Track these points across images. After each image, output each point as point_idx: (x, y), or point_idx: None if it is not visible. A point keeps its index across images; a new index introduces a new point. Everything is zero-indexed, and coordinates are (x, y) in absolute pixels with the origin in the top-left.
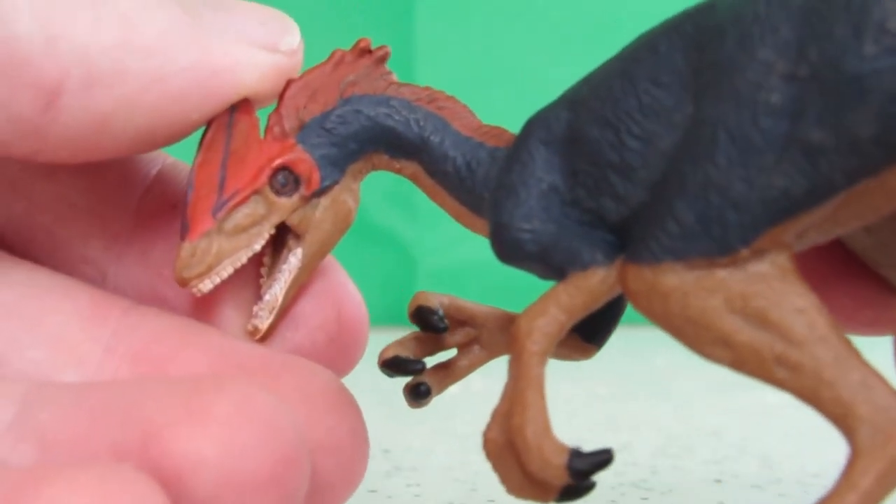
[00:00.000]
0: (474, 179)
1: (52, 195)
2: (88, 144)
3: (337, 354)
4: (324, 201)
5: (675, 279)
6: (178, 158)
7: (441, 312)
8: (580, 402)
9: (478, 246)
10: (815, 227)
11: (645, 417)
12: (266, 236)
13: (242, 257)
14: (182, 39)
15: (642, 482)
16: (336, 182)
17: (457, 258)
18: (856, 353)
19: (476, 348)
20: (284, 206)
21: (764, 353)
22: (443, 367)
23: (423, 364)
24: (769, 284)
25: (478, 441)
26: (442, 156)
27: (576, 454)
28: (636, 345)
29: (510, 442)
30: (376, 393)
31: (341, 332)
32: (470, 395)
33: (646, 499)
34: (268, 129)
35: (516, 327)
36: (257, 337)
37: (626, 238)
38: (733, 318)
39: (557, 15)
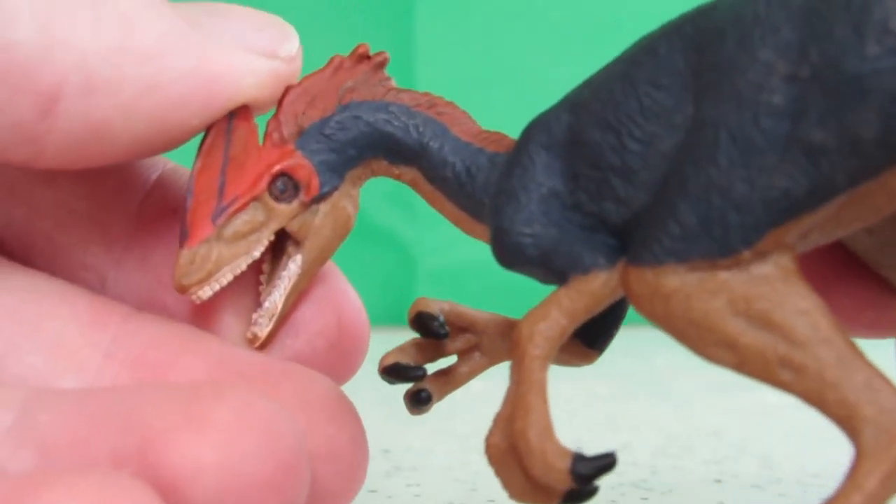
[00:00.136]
0: (474, 185)
1: (52, 201)
2: (86, 150)
3: (337, 361)
4: (323, 207)
5: (678, 281)
6: (178, 163)
7: (441, 318)
8: (580, 402)
9: (478, 246)
10: (818, 228)
11: (645, 417)
12: (265, 243)
13: (242, 264)
14: (180, 46)
15: (642, 482)
16: (335, 188)
17: (457, 258)
18: (860, 355)
19: (476, 355)
20: (284, 212)
21: (767, 355)
22: (443, 373)
23: (424, 370)
24: (772, 286)
25: (478, 441)
26: (441, 161)
27: (579, 458)
28: (636, 345)
29: (513, 446)
30: (376, 393)
31: (341, 339)
32: (470, 395)
33: (646, 499)
34: (267, 135)
35: (518, 331)
36: (257, 344)
37: (628, 241)
38: (736, 319)
39: (557, 15)
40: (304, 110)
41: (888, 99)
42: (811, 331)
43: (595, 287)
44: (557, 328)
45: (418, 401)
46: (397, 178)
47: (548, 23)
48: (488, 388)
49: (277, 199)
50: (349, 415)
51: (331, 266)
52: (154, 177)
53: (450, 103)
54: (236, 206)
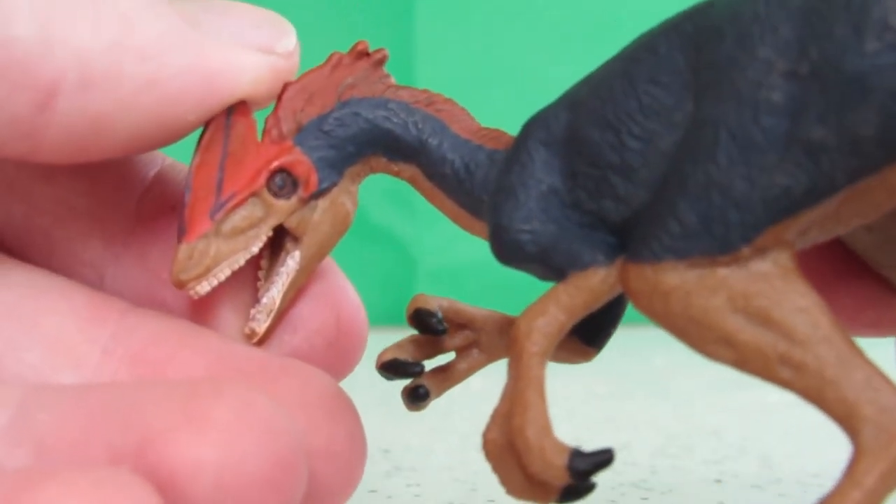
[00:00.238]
0: (473, 182)
1: (51, 197)
2: (84, 145)
3: (335, 358)
4: (322, 203)
5: (677, 278)
6: (177, 159)
7: (440, 315)
8: (578, 400)
9: (477, 245)
10: (817, 225)
11: (644, 417)
12: (264, 238)
13: (240, 260)
14: (178, 42)
15: (642, 482)
16: (334, 184)
17: (456, 258)
18: (859, 353)
19: (475, 352)
20: (282, 208)
21: (767, 352)
22: (441, 370)
23: (422, 367)
24: (771, 283)
25: (477, 440)
26: (440, 158)
27: (576, 454)
28: (635, 344)
29: (510, 443)
30: (375, 392)
31: (340, 336)
32: (469, 394)
33: (646, 499)
34: (265, 131)
35: (516, 328)
36: (255, 340)
37: (627, 238)
38: (736, 317)
39: (557, 15)
40: (303, 107)
41: (888, 96)
42: (811, 329)
43: (594, 283)
44: (555, 324)
45: (416, 397)
46: (396, 174)
47: (548, 22)
48: (487, 387)
49: (276, 195)
50: (347, 411)
51: (329, 263)
52: (152, 173)
53: (449, 100)
54: (235, 201)
